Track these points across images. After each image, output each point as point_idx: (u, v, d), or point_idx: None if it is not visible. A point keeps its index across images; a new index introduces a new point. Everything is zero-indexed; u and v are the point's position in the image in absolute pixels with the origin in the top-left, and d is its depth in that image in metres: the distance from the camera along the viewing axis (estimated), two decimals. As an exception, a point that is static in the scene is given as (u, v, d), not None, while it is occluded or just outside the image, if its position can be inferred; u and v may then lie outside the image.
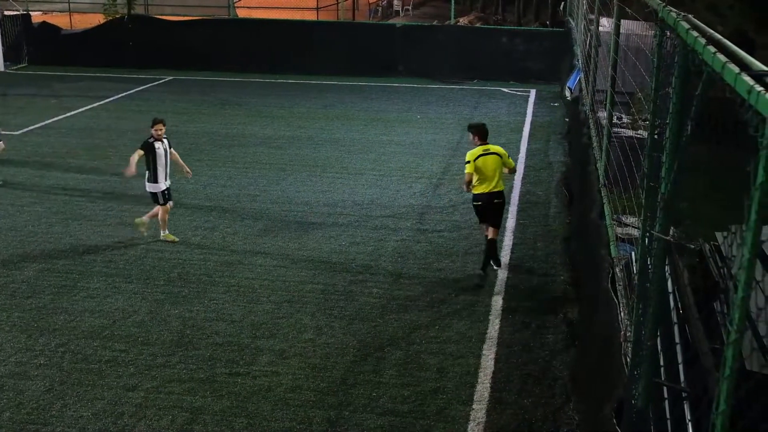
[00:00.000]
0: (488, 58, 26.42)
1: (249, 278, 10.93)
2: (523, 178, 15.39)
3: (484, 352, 8.92)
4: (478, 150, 10.89)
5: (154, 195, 12.17)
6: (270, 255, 11.74)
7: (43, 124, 19.88)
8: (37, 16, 31.28)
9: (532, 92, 24.44)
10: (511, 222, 13.14)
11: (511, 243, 12.25)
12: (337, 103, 22.71)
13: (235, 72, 26.79)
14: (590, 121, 12.53)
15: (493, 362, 8.68)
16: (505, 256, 11.68)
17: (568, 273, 11.02)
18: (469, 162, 10.85)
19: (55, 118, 20.52)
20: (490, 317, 9.80)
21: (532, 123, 20.43)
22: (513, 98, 23.82)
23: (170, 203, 12.33)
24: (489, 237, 11.04)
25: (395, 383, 8.27)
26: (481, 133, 11.07)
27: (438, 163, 16.58)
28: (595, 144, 11.36)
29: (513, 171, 11.39)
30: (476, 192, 10.93)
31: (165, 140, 12.18)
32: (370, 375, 8.45)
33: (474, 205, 11.14)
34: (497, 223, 11.12)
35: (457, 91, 24.82)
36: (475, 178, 10.86)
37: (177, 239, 12.24)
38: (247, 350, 8.98)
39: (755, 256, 2.69)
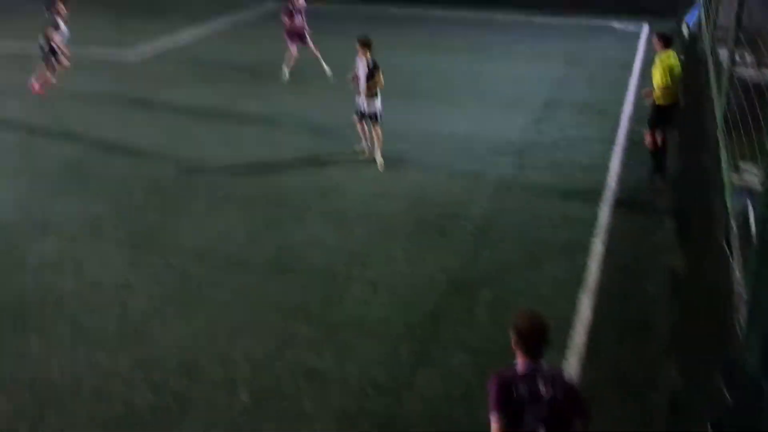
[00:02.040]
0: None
1: (344, 207, 10.93)
2: (630, 118, 14.80)
3: (579, 297, 8.69)
4: (667, 52, 11.32)
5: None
6: (366, 184, 11.69)
7: (157, 50, 20.20)
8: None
9: (645, 28, 23.36)
10: (615, 162, 12.70)
11: (614, 185, 11.84)
12: (440, 35, 22.25)
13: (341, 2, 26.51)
14: (709, 60, 11.87)
15: (589, 309, 8.44)
16: (607, 199, 11.32)
17: (675, 220, 10.59)
18: (659, 65, 11.24)
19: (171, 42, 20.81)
20: (588, 261, 9.52)
21: (643, 60, 19.56)
22: (624, 33, 22.84)
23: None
24: (661, 139, 11.54)
25: (485, 322, 8.15)
26: (667, 41, 11.50)
27: (541, 98, 16.11)
28: (713, 84, 10.76)
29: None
30: (663, 103, 11.33)
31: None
32: (460, 312, 8.36)
33: (660, 107, 11.39)
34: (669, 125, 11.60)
35: (564, 24, 23.96)
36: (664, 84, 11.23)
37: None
38: (340, 278, 9.01)
39: None
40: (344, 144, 13.20)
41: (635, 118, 14.97)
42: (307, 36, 17.15)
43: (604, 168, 12.46)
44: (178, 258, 9.46)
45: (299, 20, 17.02)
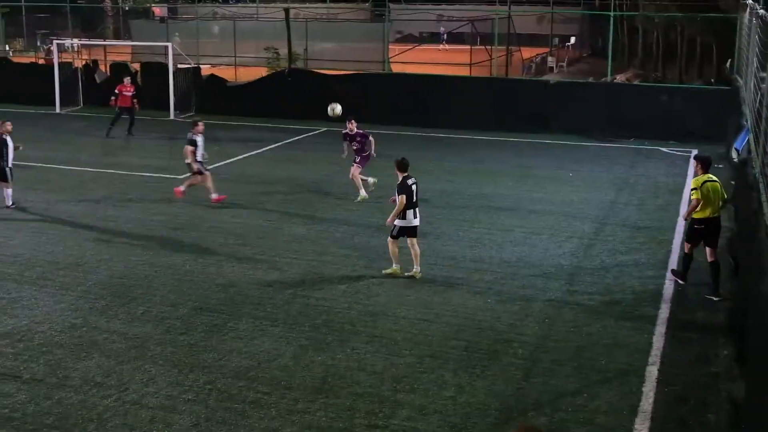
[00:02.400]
0: (646, 116, 25.54)
1: (392, 330, 10.81)
2: (682, 243, 14.59)
3: (636, 426, 8.36)
4: (703, 177, 12.23)
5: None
6: (414, 308, 11.60)
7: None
8: (206, 69, 32.93)
9: (693, 153, 23.40)
10: (668, 287, 12.46)
11: (668, 310, 11.58)
12: (487, 159, 22.55)
13: (386, 125, 27.07)
14: (761, 184, 11.77)
15: (646, 437, 8.10)
16: (660, 324, 11.05)
17: (732, 347, 10.25)
18: (696, 189, 12.14)
19: (216, 165, 21.36)
20: (644, 388, 9.22)
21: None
22: (672, 158, 22.90)
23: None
24: (711, 260, 12.15)
25: (539, 451, 7.84)
26: (705, 164, 12.42)
27: (590, 222, 16.04)
28: (765, 209, 10.63)
29: (725, 202, 12.62)
30: (700, 216, 12.13)
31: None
32: (513, 440, 8.07)
33: (695, 228, 12.27)
34: (716, 243, 12.27)
35: (612, 149, 24.12)
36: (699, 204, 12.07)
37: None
38: (387, 403, 8.82)
39: None
40: (391, 265, 13.19)
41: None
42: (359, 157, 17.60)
43: (657, 293, 12.23)
44: (223, 378, 9.37)
45: (360, 143, 17.57)
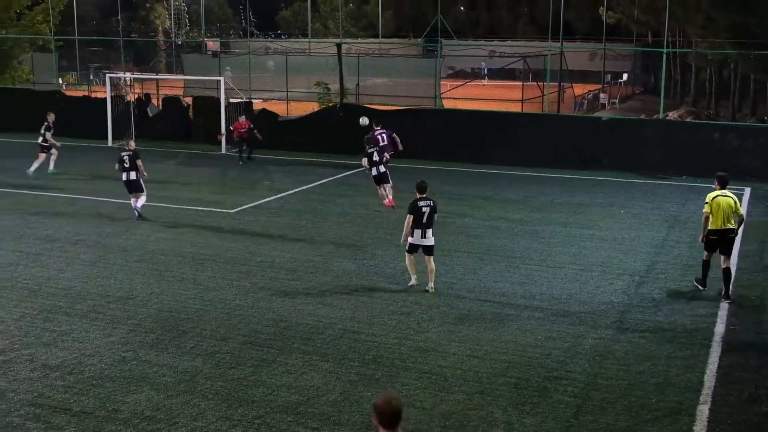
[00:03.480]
0: (699, 153, 25.30)
1: (442, 366, 10.84)
2: (735, 281, 14.39)
3: (688, 466, 8.24)
4: (717, 192, 13.67)
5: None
6: (464, 344, 11.61)
7: (255, 203, 21.07)
8: (258, 104, 33.56)
9: (747, 191, 23.08)
10: (720, 326, 12.30)
11: (719, 349, 11.41)
12: (538, 195, 22.50)
13: (438, 160, 27.27)
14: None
15: (698, 479, 7.98)
16: (712, 363, 10.91)
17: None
18: (707, 203, 13.65)
19: (267, 199, 21.71)
20: (695, 428, 9.12)
21: (746, 223, 19.19)
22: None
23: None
24: (724, 266, 13.57)
25: (589, 491, 7.78)
26: (722, 182, 13.84)
27: (641, 260, 15.91)
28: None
29: (741, 219, 14.04)
30: (712, 228, 13.56)
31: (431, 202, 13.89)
32: (563, 479, 8.02)
33: (710, 238, 13.64)
34: (729, 252, 13.76)
35: (664, 186, 23.90)
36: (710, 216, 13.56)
37: None
38: (436, 440, 8.83)
39: None
40: (443, 303, 13.25)
41: (741, 279, 14.57)
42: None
43: (708, 331, 12.08)
44: (272, 413, 9.48)
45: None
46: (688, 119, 33.21)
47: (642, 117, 32.04)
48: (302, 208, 20.74)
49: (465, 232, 18.07)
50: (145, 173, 19.11)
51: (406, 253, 13.99)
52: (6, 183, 23.40)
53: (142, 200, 18.98)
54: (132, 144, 19.56)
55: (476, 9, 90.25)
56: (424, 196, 13.85)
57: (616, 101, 46.67)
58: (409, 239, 13.72)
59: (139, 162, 18.86)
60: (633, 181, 24.62)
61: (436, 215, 13.90)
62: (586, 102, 44.63)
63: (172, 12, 62.20)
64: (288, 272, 15.05)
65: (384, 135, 21.86)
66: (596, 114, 38.04)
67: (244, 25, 61.06)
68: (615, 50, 52.00)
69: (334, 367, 10.78)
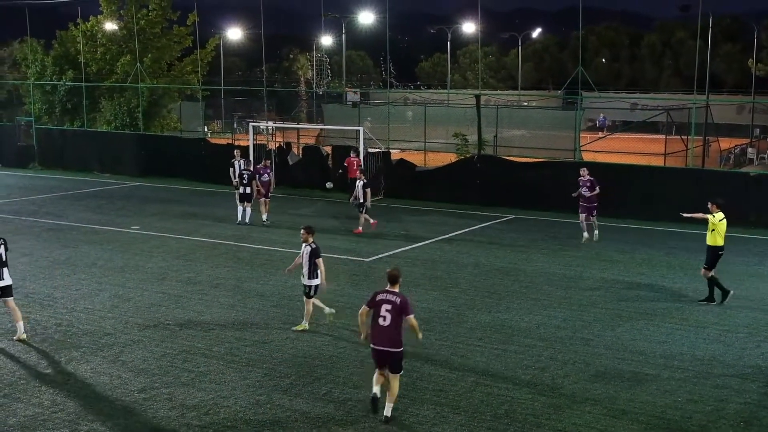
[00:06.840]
0: None
1: (576, 424, 10.60)
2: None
3: None
4: (720, 215, 16.24)
5: None
6: (600, 403, 11.32)
7: (391, 252, 21.32)
8: (396, 154, 34.08)
9: None
10: None
11: None
12: (680, 251, 21.72)
13: (576, 213, 26.81)
14: None
15: None
16: None
17: None
18: (721, 220, 16.22)
19: (402, 249, 21.94)
20: None
21: None
22: None
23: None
24: (710, 276, 16.38)
25: None
26: (719, 205, 16.29)
27: (793, 323, 15.08)
28: None
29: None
30: (721, 244, 16.33)
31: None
32: None
33: (719, 254, 16.40)
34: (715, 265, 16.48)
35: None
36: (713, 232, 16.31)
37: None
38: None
39: None
40: (579, 360, 12.97)
41: None
42: None
43: None
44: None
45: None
46: None
47: (794, 172, 30.53)
48: (438, 258, 20.82)
49: (603, 287, 17.66)
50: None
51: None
52: (152, 226, 24.73)
53: (248, 210, 24.80)
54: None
55: (618, 61, 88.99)
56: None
57: (765, 156, 44.63)
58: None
59: (253, 182, 24.61)
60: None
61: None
62: (732, 156, 42.93)
63: (314, 63, 64.33)
64: (422, 322, 14.99)
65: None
66: (743, 169, 36.49)
67: (384, 76, 62.41)
68: (764, 103, 49.89)
69: (465, 420, 10.73)
